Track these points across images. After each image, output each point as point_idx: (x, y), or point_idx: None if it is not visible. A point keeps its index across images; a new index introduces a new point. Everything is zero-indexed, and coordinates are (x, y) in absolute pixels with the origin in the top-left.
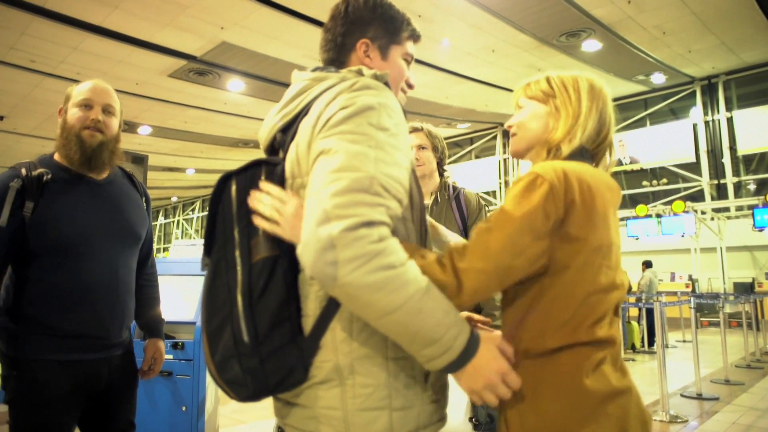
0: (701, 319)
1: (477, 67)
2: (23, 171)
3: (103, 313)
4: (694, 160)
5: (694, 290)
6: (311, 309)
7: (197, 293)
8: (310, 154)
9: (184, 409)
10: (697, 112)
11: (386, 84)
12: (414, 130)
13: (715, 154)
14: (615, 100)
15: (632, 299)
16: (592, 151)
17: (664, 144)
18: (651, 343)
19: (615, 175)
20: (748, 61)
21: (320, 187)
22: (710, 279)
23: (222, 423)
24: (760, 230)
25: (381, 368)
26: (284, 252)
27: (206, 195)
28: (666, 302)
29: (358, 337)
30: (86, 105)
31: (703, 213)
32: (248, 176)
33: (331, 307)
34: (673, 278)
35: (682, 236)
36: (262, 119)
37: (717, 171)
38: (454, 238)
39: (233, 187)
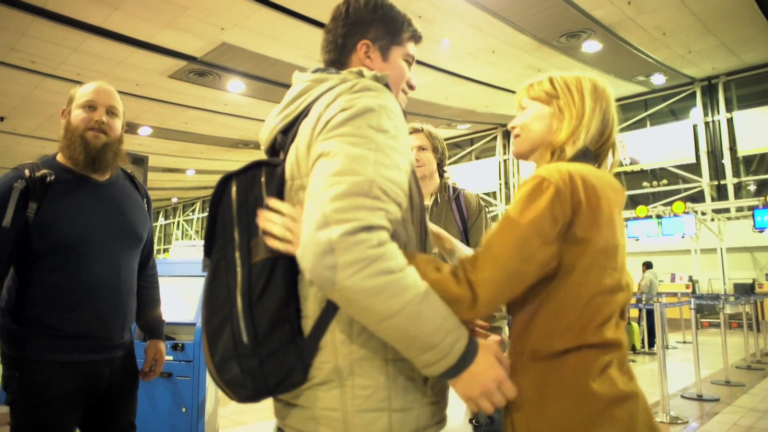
0: (701, 320)
1: (477, 67)
2: (26, 172)
3: (105, 314)
4: (694, 160)
5: (694, 291)
6: (311, 310)
7: (197, 294)
8: (309, 156)
9: (184, 410)
10: (697, 113)
11: (386, 85)
12: (414, 131)
13: (715, 155)
14: (615, 100)
15: (632, 300)
16: (594, 152)
17: (665, 145)
18: (651, 344)
19: (615, 176)
20: (748, 61)
21: (319, 190)
22: (710, 280)
23: (222, 424)
24: (761, 231)
25: (380, 370)
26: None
27: (206, 196)
28: (666, 303)
29: (357, 339)
30: (90, 106)
31: (703, 214)
32: (248, 177)
33: (330, 309)
34: (673, 279)
35: (683, 237)
36: (262, 120)
37: (717, 172)
38: (466, 250)
39: (233, 189)
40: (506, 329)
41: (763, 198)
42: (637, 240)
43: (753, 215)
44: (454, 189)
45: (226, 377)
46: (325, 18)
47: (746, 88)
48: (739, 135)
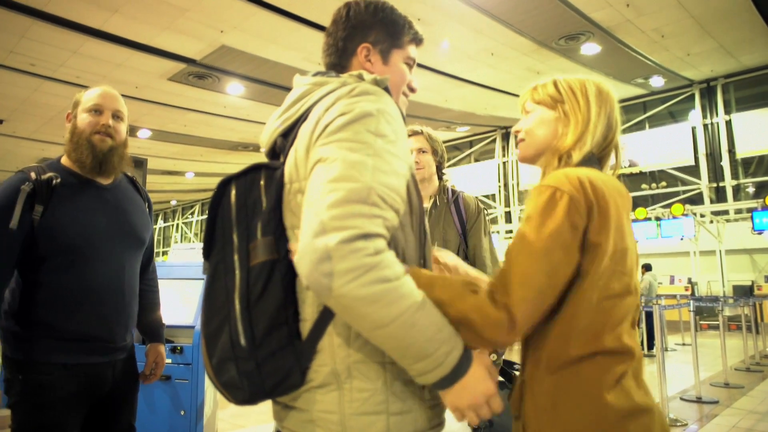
0: (700, 322)
1: (476, 70)
2: (33, 175)
3: (109, 317)
4: (693, 163)
5: (693, 293)
6: (308, 313)
7: (196, 297)
8: (308, 160)
9: (182, 413)
10: (695, 115)
11: (386, 89)
12: (414, 133)
13: (714, 157)
14: None
15: None
16: (598, 156)
17: (663, 147)
18: (650, 346)
19: None
20: (746, 64)
21: (317, 197)
22: (709, 282)
23: (221, 427)
24: (759, 233)
25: (378, 373)
26: (282, 256)
27: (205, 198)
28: (665, 305)
29: (355, 342)
30: (96, 110)
31: (702, 216)
32: (248, 180)
33: (328, 312)
34: (672, 281)
35: (681, 239)
36: (261, 122)
37: (716, 174)
38: (483, 277)
39: (233, 192)
40: None
41: (761, 200)
42: (636, 242)
43: (752, 217)
44: (453, 191)
45: (224, 379)
46: (325, 20)
47: (745, 91)
48: (737, 137)
